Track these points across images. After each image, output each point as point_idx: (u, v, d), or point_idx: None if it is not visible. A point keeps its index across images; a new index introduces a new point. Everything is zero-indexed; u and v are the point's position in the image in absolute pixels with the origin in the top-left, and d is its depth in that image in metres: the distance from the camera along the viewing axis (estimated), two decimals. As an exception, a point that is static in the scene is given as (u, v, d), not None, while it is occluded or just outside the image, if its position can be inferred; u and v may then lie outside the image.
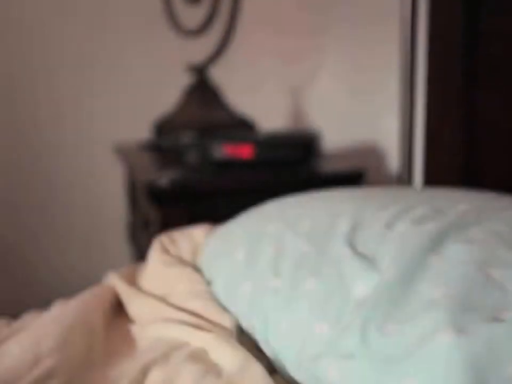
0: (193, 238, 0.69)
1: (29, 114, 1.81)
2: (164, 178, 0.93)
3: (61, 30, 1.78)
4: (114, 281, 0.68)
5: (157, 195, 0.90)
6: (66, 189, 1.86)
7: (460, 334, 0.38)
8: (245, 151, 1.02)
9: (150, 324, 0.58)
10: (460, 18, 0.81)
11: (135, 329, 0.59)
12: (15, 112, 1.80)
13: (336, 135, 1.29)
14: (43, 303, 0.65)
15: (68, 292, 0.73)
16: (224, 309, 0.56)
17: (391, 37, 0.98)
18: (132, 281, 0.68)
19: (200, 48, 1.36)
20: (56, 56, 1.80)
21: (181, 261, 0.66)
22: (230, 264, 0.58)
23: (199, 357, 0.49)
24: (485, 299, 0.41)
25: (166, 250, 0.69)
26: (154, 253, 0.69)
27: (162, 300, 0.60)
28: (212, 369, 0.47)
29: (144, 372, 0.48)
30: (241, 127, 1.27)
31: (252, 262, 0.56)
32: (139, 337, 0.57)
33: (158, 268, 0.66)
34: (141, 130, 1.42)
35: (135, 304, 0.63)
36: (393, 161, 1.10)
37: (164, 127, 1.34)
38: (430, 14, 0.84)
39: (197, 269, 0.64)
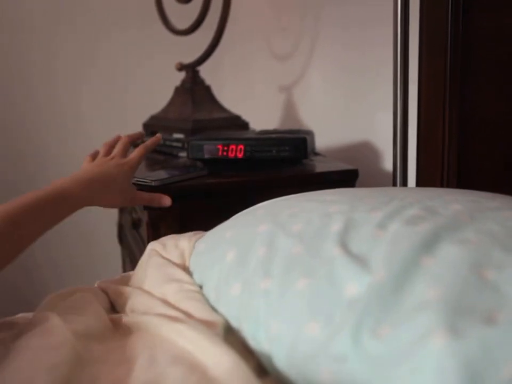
0: (185, 244, 0.68)
1: (27, 116, 1.81)
2: (153, 178, 0.92)
3: (57, 32, 1.79)
4: (105, 286, 0.67)
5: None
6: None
7: (454, 336, 0.38)
8: (236, 151, 1.01)
9: (140, 316, 0.57)
10: (452, 16, 0.81)
11: (126, 320, 0.58)
12: (13, 114, 1.80)
13: (330, 134, 1.28)
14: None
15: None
16: (214, 310, 0.55)
17: (384, 38, 0.98)
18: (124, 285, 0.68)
19: (192, 48, 1.35)
20: (54, 58, 1.81)
21: (173, 264, 0.65)
22: (220, 266, 0.57)
23: (185, 358, 0.48)
24: (479, 301, 0.40)
25: (158, 255, 0.68)
26: (146, 257, 0.69)
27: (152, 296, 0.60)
28: (198, 370, 0.46)
29: (129, 372, 0.47)
30: (233, 126, 1.27)
31: (242, 263, 0.55)
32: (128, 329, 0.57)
33: (148, 270, 0.66)
34: (136, 130, 1.41)
35: (128, 299, 0.62)
36: (388, 160, 1.10)
37: (154, 127, 1.33)
38: (422, 12, 0.84)
39: (188, 273, 0.63)
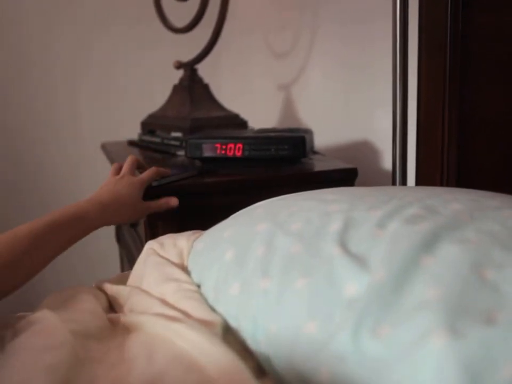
0: (183, 243, 0.68)
1: (27, 116, 1.81)
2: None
3: (56, 32, 1.79)
4: (104, 286, 0.67)
5: (144, 194, 0.89)
6: (65, 190, 1.86)
7: (453, 336, 0.38)
8: (235, 149, 1.00)
9: (139, 315, 0.57)
10: (451, 15, 0.80)
11: (124, 319, 0.58)
12: (13, 114, 1.80)
13: (329, 133, 1.28)
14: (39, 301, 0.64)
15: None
16: (212, 310, 0.55)
17: (383, 33, 0.97)
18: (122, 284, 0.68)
19: (190, 46, 1.35)
20: (53, 57, 1.81)
21: (171, 263, 0.65)
22: (219, 265, 0.57)
23: (183, 357, 0.48)
24: (479, 300, 0.40)
25: (156, 254, 0.68)
26: (144, 256, 0.68)
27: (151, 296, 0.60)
28: (196, 370, 0.46)
29: (128, 372, 0.47)
30: (232, 125, 1.26)
31: (241, 262, 0.55)
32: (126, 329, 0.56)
33: (147, 269, 0.66)
34: (133, 129, 1.41)
35: (126, 298, 0.62)
36: (387, 159, 1.10)
37: (153, 125, 1.32)
38: (421, 11, 0.83)
39: (186, 272, 0.63)
